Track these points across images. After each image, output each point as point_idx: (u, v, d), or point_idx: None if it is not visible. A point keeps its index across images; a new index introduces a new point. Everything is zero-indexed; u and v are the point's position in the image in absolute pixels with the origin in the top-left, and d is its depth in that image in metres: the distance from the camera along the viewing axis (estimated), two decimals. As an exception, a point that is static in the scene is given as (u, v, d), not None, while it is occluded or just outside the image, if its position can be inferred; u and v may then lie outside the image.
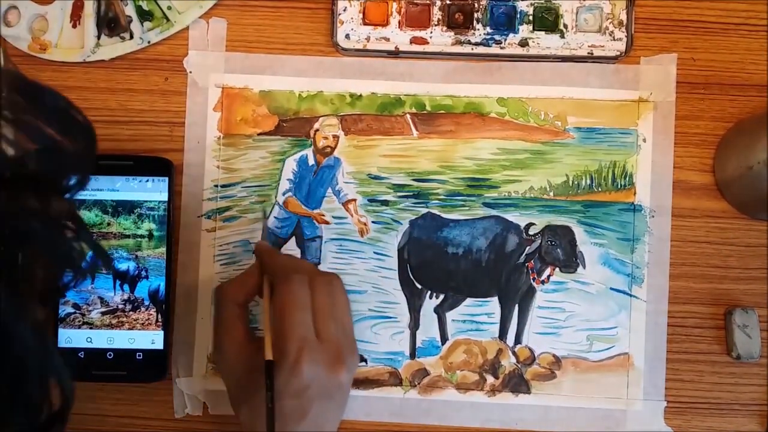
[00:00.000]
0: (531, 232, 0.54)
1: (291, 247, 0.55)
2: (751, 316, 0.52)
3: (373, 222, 0.54)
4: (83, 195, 0.53)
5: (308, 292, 0.46)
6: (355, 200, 0.55)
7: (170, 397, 0.54)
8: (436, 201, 0.54)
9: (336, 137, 0.55)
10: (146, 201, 0.54)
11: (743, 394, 0.53)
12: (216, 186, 0.55)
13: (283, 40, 0.55)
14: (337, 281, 0.48)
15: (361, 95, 0.55)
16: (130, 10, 0.54)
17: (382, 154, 0.55)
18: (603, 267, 0.54)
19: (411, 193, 0.54)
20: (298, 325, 0.45)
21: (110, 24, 0.55)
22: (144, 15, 0.54)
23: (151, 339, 0.53)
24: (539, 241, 0.54)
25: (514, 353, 0.54)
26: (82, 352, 0.53)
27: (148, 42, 0.54)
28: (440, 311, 0.54)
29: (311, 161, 0.55)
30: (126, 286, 0.53)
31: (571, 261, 0.54)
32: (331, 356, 0.45)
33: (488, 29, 0.54)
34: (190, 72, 0.55)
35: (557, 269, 0.54)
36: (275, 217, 0.55)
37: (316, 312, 0.45)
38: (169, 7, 0.54)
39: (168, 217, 0.54)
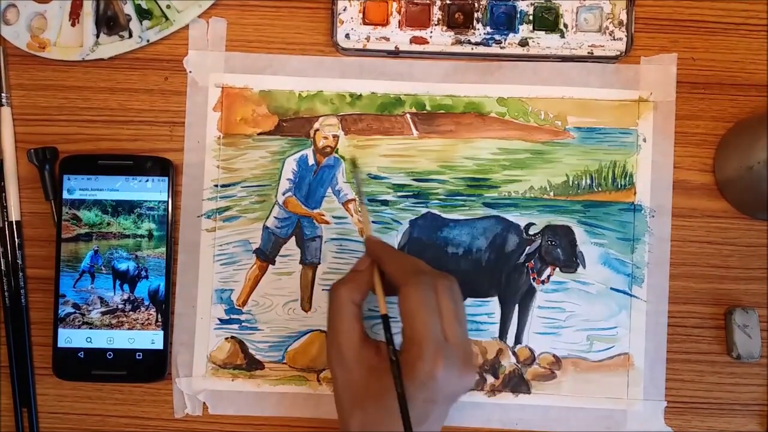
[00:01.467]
0: (531, 232, 0.54)
1: (291, 247, 0.55)
2: (751, 316, 0.52)
3: (373, 222, 0.54)
4: (83, 194, 0.53)
5: (434, 295, 0.44)
6: (354, 200, 0.55)
7: (170, 397, 0.54)
8: (436, 201, 0.54)
9: (336, 137, 0.55)
10: (146, 201, 0.53)
11: (743, 394, 0.53)
12: (216, 186, 0.55)
13: (283, 40, 0.55)
14: (456, 283, 0.47)
15: (361, 95, 0.55)
16: (129, 9, 0.54)
17: (382, 153, 0.55)
18: (603, 267, 0.54)
19: (411, 193, 0.54)
20: (431, 330, 0.43)
21: (109, 22, 0.54)
22: (143, 14, 0.54)
23: (151, 339, 0.53)
24: (539, 241, 0.54)
25: (514, 353, 0.54)
26: (82, 352, 0.53)
27: (147, 41, 0.54)
28: (440, 311, 0.54)
29: (311, 161, 0.55)
30: (126, 286, 0.53)
31: (571, 261, 0.54)
32: (461, 360, 0.44)
33: (488, 29, 0.54)
34: (190, 72, 0.55)
35: (557, 269, 0.54)
36: (275, 217, 0.55)
37: (442, 315, 0.44)
38: (168, 6, 0.54)
39: (168, 217, 0.53)
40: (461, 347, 0.44)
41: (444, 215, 0.54)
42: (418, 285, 0.44)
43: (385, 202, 0.54)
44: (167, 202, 0.54)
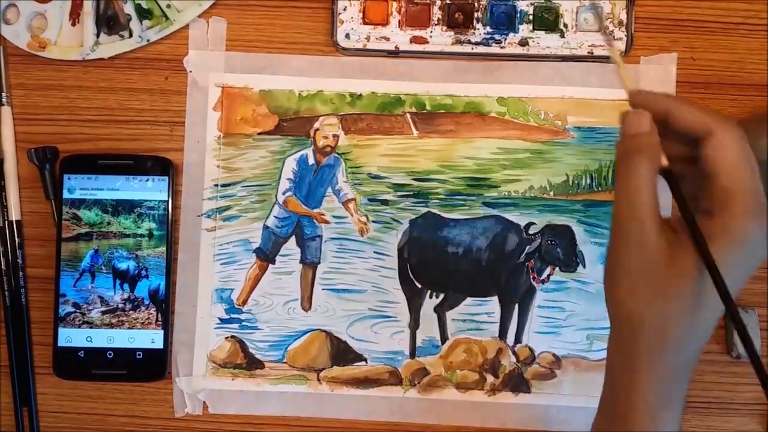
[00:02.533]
0: (531, 232, 0.54)
1: (291, 247, 0.55)
2: (751, 315, 0.52)
3: (373, 221, 0.54)
4: (84, 194, 0.53)
5: (748, 147, 0.37)
6: (354, 199, 0.55)
7: (170, 396, 0.54)
8: (436, 200, 0.54)
9: (336, 137, 0.55)
10: (146, 200, 0.54)
11: (743, 394, 0.53)
12: (216, 185, 0.55)
13: (283, 40, 0.55)
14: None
15: (361, 95, 0.55)
16: (129, 9, 0.54)
17: (382, 153, 0.55)
18: (603, 266, 0.54)
19: (411, 193, 0.54)
20: (754, 182, 0.36)
21: (109, 22, 0.54)
22: (143, 13, 0.54)
23: (151, 338, 0.53)
24: (539, 240, 0.54)
25: (514, 352, 0.54)
26: (82, 352, 0.53)
27: (148, 40, 0.54)
28: (440, 311, 0.54)
29: (311, 160, 0.55)
30: (126, 286, 0.53)
31: (571, 260, 0.54)
32: None
33: (488, 29, 0.54)
34: (190, 71, 0.55)
35: (557, 269, 0.54)
36: (275, 217, 0.55)
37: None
38: (169, 6, 0.54)
39: (168, 217, 0.54)
40: None
41: (444, 215, 0.54)
42: (736, 131, 0.37)
43: (385, 202, 0.54)
44: (167, 201, 0.54)
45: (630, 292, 0.39)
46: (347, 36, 0.54)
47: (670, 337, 0.37)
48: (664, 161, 0.37)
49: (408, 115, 0.55)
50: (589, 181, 0.54)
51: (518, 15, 0.54)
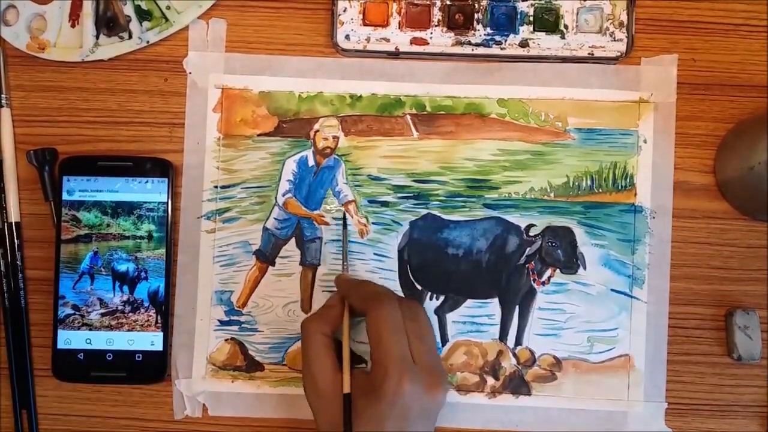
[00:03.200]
0: (531, 233, 0.54)
1: (291, 248, 0.54)
2: (751, 317, 0.52)
3: (373, 223, 0.54)
4: (83, 196, 0.53)
5: (399, 317, 0.47)
6: (354, 201, 0.54)
7: (170, 398, 0.54)
8: (437, 202, 0.54)
9: (336, 138, 0.55)
10: (146, 202, 0.53)
11: (744, 396, 0.53)
12: (216, 187, 0.55)
13: (283, 41, 0.55)
14: (421, 307, 0.50)
15: (361, 96, 0.55)
16: (128, 10, 0.54)
17: (382, 155, 0.55)
18: (603, 268, 0.54)
19: (411, 194, 0.54)
20: (397, 347, 0.46)
21: (109, 23, 0.54)
22: (143, 14, 0.54)
23: (151, 340, 0.53)
24: (540, 242, 0.54)
25: (514, 355, 0.54)
26: (82, 354, 0.53)
27: (147, 42, 0.54)
28: (440, 312, 0.54)
29: (311, 162, 0.55)
30: (125, 288, 0.53)
31: (571, 262, 0.54)
32: (429, 378, 0.46)
33: (488, 30, 0.54)
34: (190, 73, 0.55)
35: (558, 270, 0.54)
36: (275, 218, 0.55)
37: (408, 335, 0.47)
38: (168, 7, 0.54)
39: (167, 218, 0.53)
40: (428, 364, 0.46)
41: (444, 216, 0.54)
42: (383, 306, 0.47)
43: (385, 204, 0.54)
44: (167, 203, 0.54)
45: (319, 428, 0.48)
46: (347, 37, 0.54)
47: None
48: (347, 388, 0.46)
49: (408, 117, 0.55)
50: (589, 182, 0.54)
51: (518, 16, 0.54)
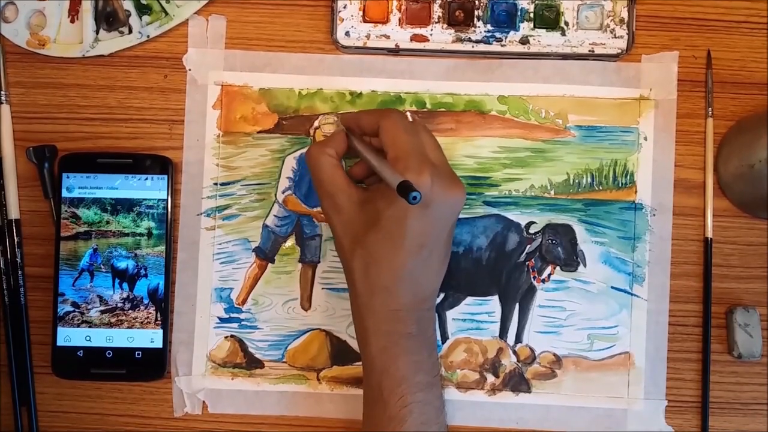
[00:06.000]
0: (531, 231, 0.54)
1: (290, 244, 0.54)
2: (752, 314, 0.52)
3: (373, 220, 0.54)
4: (83, 193, 0.53)
5: (412, 126, 0.48)
6: (355, 198, 0.54)
7: (169, 395, 0.54)
8: (437, 199, 0.54)
9: (336, 135, 0.54)
10: (145, 199, 0.53)
11: (744, 394, 0.53)
12: (215, 184, 0.54)
13: (283, 38, 0.55)
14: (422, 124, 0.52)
15: (361, 93, 0.55)
16: (128, 5, 0.54)
17: (382, 152, 0.54)
18: (604, 266, 0.54)
19: (411, 192, 0.54)
20: (414, 144, 0.46)
21: (108, 18, 0.54)
22: (142, 9, 0.54)
23: (150, 338, 0.53)
24: (540, 239, 0.54)
25: (514, 352, 0.54)
26: (81, 351, 0.53)
27: (147, 36, 0.54)
28: (440, 310, 0.54)
29: (311, 159, 0.55)
30: (125, 285, 0.53)
31: (571, 260, 0.54)
32: (448, 177, 0.47)
33: (489, 27, 0.54)
34: (190, 69, 0.55)
35: (558, 268, 0.54)
36: (275, 216, 0.55)
37: (422, 141, 0.47)
38: (168, 1, 0.54)
39: (167, 216, 0.53)
40: (446, 166, 0.48)
41: (444, 214, 0.54)
42: (396, 114, 0.48)
43: (385, 201, 0.54)
44: (166, 200, 0.53)
45: (342, 250, 0.48)
46: (347, 34, 0.54)
47: (375, 281, 0.46)
48: (394, 182, 0.42)
49: (408, 114, 0.55)
50: (589, 180, 0.54)
51: (519, 13, 0.54)
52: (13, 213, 0.54)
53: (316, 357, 0.54)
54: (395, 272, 0.46)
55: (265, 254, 0.54)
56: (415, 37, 0.54)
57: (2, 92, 0.55)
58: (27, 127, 0.55)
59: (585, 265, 0.54)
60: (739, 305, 0.53)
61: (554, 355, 0.53)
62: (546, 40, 0.54)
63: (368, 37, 0.54)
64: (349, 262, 0.47)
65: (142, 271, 0.53)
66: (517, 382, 0.53)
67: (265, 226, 0.54)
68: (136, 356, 0.53)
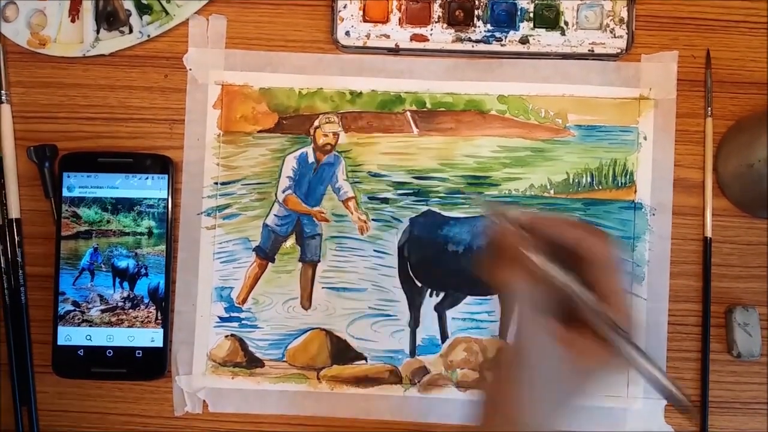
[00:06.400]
0: (531, 230, 0.54)
1: (291, 244, 0.55)
2: (751, 314, 0.52)
3: (373, 220, 0.54)
4: (83, 192, 0.53)
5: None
6: (354, 198, 0.54)
7: (170, 394, 0.54)
8: (437, 199, 0.54)
9: (336, 135, 0.55)
10: (146, 198, 0.53)
11: (744, 393, 0.53)
12: (216, 183, 0.55)
13: (283, 37, 0.55)
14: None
15: (361, 92, 0.55)
16: (128, 4, 0.54)
17: (382, 151, 0.54)
18: (603, 265, 0.54)
19: (411, 191, 0.54)
20: (622, 282, 0.39)
21: (109, 18, 0.54)
22: (143, 8, 0.54)
23: (151, 337, 0.53)
24: (540, 239, 0.54)
25: (514, 351, 0.54)
26: (82, 350, 0.53)
27: (148, 36, 0.54)
28: (440, 309, 0.54)
29: (311, 159, 0.55)
30: (126, 284, 0.53)
31: (571, 259, 0.54)
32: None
33: (489, 26, 0.54)
34: (190, 69, 0.55)
35: (558, 267, 0.54)
36: (275, 215, 0.55)
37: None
38: (168, 1, 0.54)
39: (167, 215, 0.53)
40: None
41: (444, 213, 0.54)
42: (605, 239, 0.39)
43: (385, 200, 0.54)
44: (167, 199, 0.54)
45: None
46: (347, 34, 0.54)
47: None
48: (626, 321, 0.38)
49: (408, 113, 0.55)
50: (589, 179, 0.54)
51: (519, 13, 0.54)
52: (14, 212, 0.54)
53: (316, 356, 0.54)
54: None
55: (266, 253, 0.55)
56: (415, 37, 0.54)
57: (3, 92, 0.55)
58: (27, 127, 0.55)
59: (585, 265, 0.54)
60: (739, 304, 0.53)
61: (554, 354, 0.53)
62: (546, 39, 0.54)
63: (368, 36, 0.54)
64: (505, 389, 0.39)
65: (143, 271, 0.53)
66: (517, 381, 0.53)
67: (265, 226, 0.55)
68: (137, 355, 0.53)
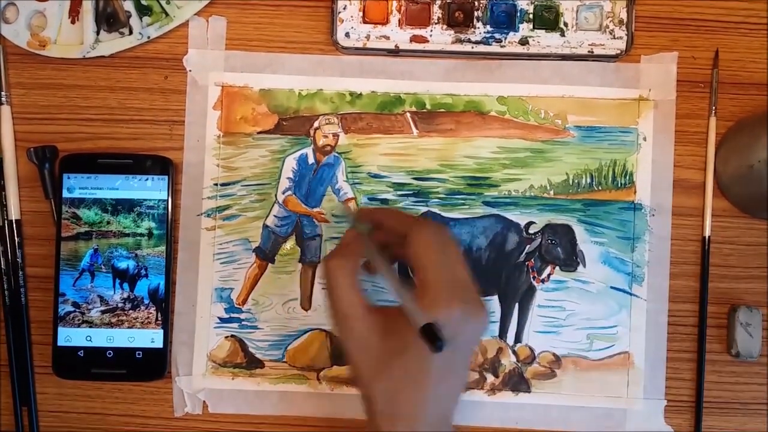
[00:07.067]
0: (531, 231, 0.54)
1: (291, 246, 0.55)
2: (755, 315, 0.52)
3: (373, 220, 0.54)
4: (83, 193, 0.53)
5: (440, 239, 0.45)
6: (354, 199, 0.55)
7: (170, 395, 0.54)
8: (436, 200, 0.54)
9: (336, 136, 0.55)
10: (146, 199, 0.53)
11: (744, 393, 0.53)
12: (216, 184, 0.55)
13: (283, 39, 0.55)
14: (448, 230, 0.49)
15: (361, 94, 0.55)
16: (128, 6, 0.54)
17: (382, 152, 0.55)
18: (603, 266, 0.54)
19: (411, 192, 0.54)
20: (443, 271, 0.43)
21: (109, 19, 0.54)
22: (143, 10, 0.54)
23: (151, 338, 0.53)
24: (539, 239, 0.54)
25: (514, 352, 0.54)
26: (82, 351, 0.53)
27: (148, 37, 0.54)
28: (440, 310, 0.54)
29: (311, 160, 0.55)
30: (126, 285, 0.53)
31: (571, 260, 0.54)
32: (473, 302, 0.43)
33: (488, 27, 0.54)
34: (190, 70, 0.55)
35: (557, 268, 0.54)
36: (275, 216, 0.55)
37: (449, 257, 0.44)
38: (168, 2, 0.54)
39: (167, 216, 0.53)
40: (470, 286, 0.44)
41: (444, 214, 0.54)
42: (429, 228, 0.45)
43: (385, 201, 0.54)
44: (167, 200, 0.54)
45: (360, 379, 0.44)
46: (347, 35, 0.54)
47: (399, 409, 0.42)
48: (420, 321, 0.41)
49: (408, 114, 0.55)
50: (589, 180, 0.54)
51: (518, 14, 0.54)
52: (14, 213, 0.54)
53: (316, 357, 0.54)
54: (421, 399, 0.43)
55: (266, 254, 0.55)
56: (414, 38, 0.54)
57: (3, 93, 0.55)
58: (28, 128, 0.55)
59: (584, 265, 0.54)
60: (743, 304, 0.53)
61: (554, 354, 0.54)
62: (545, 41, 0.54)
63: (368, 38, 0.54)
64: (368, 390, 0.44)
65: (143, 272, 0.53)
66: (517, 382, 0.54)
67: (265, 227, 0.55)
68: (137, 356, 0.53)
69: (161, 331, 0.53)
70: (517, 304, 0.54)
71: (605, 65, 0.54)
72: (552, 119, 0.54)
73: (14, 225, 0.54)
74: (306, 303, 0.54)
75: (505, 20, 0.54)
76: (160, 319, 0.53)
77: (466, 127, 0.54)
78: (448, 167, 0.54)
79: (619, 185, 0.54)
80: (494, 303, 0.54)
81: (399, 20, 0.54)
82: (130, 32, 0.54)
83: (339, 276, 0.45)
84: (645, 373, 0.53)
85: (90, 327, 0.53)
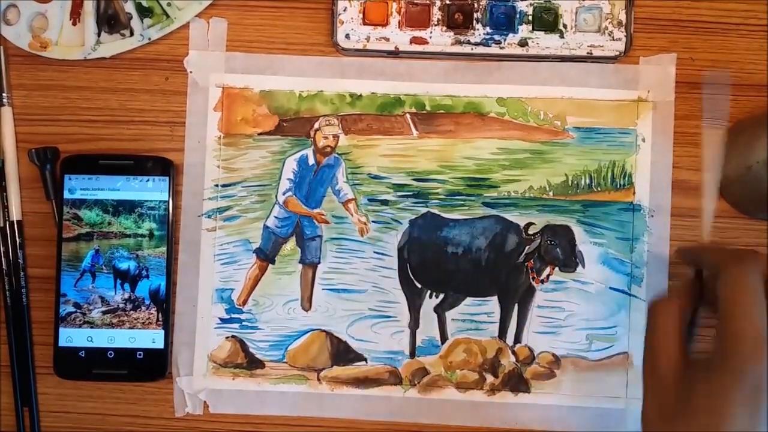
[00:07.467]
0: (530, 232, 0.54)
1: (291, 247, 0.55)
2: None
3: (373, 221, 0.54)
4: (84, 194, 0.53)
5: (761, 280, 0.40)
6: (354, 200, 0.55)
7: (171, 396, 0.54)
8: (436, 200, 0.54)
9: (336, 137, 0.55)
10: (147, 200, 0.54)
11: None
12: (216, 185, 0.55)
13: (284, 40, 0.55)
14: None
15: (361, 95, 0.55)
16: (129, 7, 0.54)
17: (382, 153, 0.55)
18: (602, 266, 0.54)
19: (411, 193, 0.55)
20: (752, 320, 0.39)
21: (110, 21, 0.55)
22: (144, 12, 0.54)
23: (152, 338, 0.53)
24: (539, 240, 0.54)
25: (513, 352, 0.54)
26: (83, 351, 0.53)
27: (149, 39, 0.54)
28: (440, 310, 0.54)
29: (311, 161, 0.55)
30: (127, 286, 0.53)
31: (570, 260, 0.54)
32: None
33: (488, 29, 0.54)
34: (191, 72, 0.55)
35: (557, 269, 0.54)
36: (275, 217, 0.55)
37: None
38: (169, 4, 0.54)
39: (168, 217, 0.54)
40: None
41: (444, 215, 0.54)
42: (741, 266, 0.40)
43: (384, 202, 0.55)
44: (168, 201, 0.54)
45: (646, 420, 0.44)
46: (347, 36, 0.54)
47: None
48: None
49: (408, 116, 0.55)
50: (588, 181, 0.54)
51: (518, 15, 0.54)
52: (15, 214, 0.55)
53: (317, 357, 0.54)
54: None
55: (266, 255, 0.55)
56: (414, 40, 0.54)
57: (4, 94, 0.55)
58: (29, 129, 0.55)
59: (584, 266, 0.54)
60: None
61: (553, 355, 0.54)
62: (544, 42, 0.54)
63: (368, 39, 0.54)
64: (663, 425, 0.43)
65: (144, 272, 0.53)
66: (516, 382, 0.54)
67: (265, 227, 0.55)
68: (138, 357, 0.53)
69: (162, 332, 0.53)
70: (516, 305, 0.54)
71: (604, 66, 0.54)
72: (551, 120, 0.54)
73: (15, 226, 0.54)
74: (306, 303, 0.55)
75: (504, 22, 0.54)
76: (160, 319, 0.53)
77: (465, 129, 0.55)
78: (447, 168, 0.55)
79: (618, 186, 0.54)
80: (494, 303, 0.54)
81: (399, 22, 0.54)
82: (131, 34, 0.54)
83: (668, 310, 0.44)
84: (644, 374, 0.53)
85: (91, 327, 0.53)
